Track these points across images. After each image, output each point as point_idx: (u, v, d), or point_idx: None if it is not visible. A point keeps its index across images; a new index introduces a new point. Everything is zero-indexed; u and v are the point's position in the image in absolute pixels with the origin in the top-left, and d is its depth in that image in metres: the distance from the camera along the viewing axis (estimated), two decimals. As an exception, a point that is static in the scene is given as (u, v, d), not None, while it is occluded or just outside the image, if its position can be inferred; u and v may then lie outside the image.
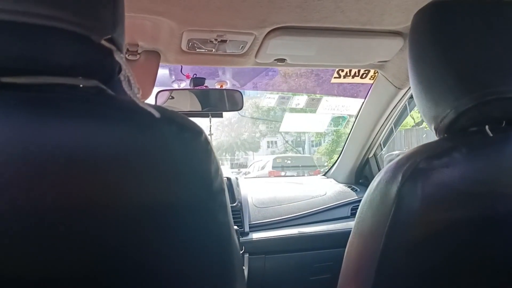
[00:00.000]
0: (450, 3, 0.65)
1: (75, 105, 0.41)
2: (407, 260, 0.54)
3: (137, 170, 0.40)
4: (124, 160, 0.40)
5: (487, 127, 0.57)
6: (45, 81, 0.41)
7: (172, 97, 1.51)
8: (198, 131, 0.45)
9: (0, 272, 0.37)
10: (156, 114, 0.43)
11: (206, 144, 0.45)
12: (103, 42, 0.44)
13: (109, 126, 0.40)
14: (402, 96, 1.62)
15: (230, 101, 1.60)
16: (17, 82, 0.40)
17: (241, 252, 1.47)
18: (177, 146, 0.43)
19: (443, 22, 0.62)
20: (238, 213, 1.63)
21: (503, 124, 0.59)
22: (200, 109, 1.55)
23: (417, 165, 0.54)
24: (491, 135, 0.57)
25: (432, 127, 0.65)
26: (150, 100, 1.40)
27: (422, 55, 0.64)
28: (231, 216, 0.49)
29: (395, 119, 1.79)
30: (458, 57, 0.60)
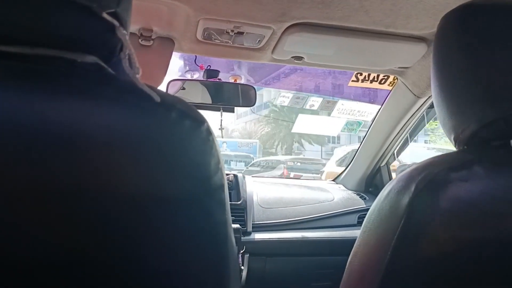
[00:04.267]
0: (482, 6, 0.60)
1: (70, 80, 0.38)
2: (413, 277, 0.50)
3: (130, 156, 0.38)
4: (117, 144, 0.37)
5: (511, 141, 0.53)
6: (41, 52, 0.39)
7: (184, 88, 1.48)
8: (200, 120, 0.43)
9: None
10: (156, 98, 0.40)
11: (207, 134, 0.43)
12: (105, 16, 0.41)
13: (104, 106, 0.38)
14: (421, 105, 1.57)
15: (243, 96, 1.57)
16: (11, 51, 0.38)
17: (241, 252, 1.45)
18: (176, 134, 0.40)
19: (472, 27, 0.58)
20: (242, 211, 1.60)
21: None
22: (212, 102, 1.52)
23: (433, 176, 0.50)
24: None
25: (452, 137, 0.61)
26: (162, 88, 1.38)
27: (447, 61, 0.60)
28: (229, 214, 0.46)
29: (411, 128, 1.74)
30: (487, 65, 0.56)
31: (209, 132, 0.43)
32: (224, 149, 15.63)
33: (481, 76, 0.56)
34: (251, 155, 16.16)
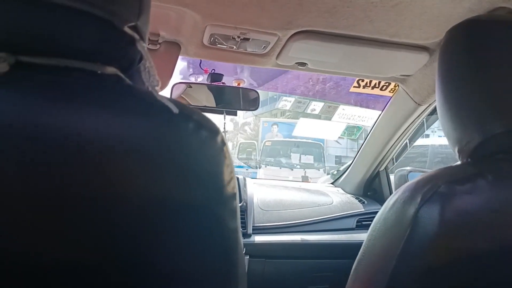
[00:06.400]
0: (486, 22, 0.62)
1: (91, 91, 0.39)
2: (418, 286, 0.51)
3: (147, 165, 0.39)
4: (136, 153, 0.38)
5: None
6: (63, 63, 0.40)
7: (188, 91, 1.50)
8: (215, 130, 0.44)
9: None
10: (174, 109, 0.41)
11: (222, 144, 0.44)
12: (126, 29, 0.43)
13: (124, 116, 0.39)
14: (421, 113, 1.59)
15: (246, 100, 1.59)
16: (34, 62, 0.39)
17: None
18: (193, 145, 0.41)
19: (478, 41, 0.60)
20: (243, 214, 1.61)
21: None
22: (215, 106, 1.54)
23: (438, 188, 0.51)
24: None
25: (456, 149, 0.62)
26: (166, 91, 1.39)
27: (452, 74, 0.62)
28: (239, 221, 0.47)
29: (410, 135, 1.76)
30: (490, 79, 0.58)
31: (223, 142, 0.44)
32: (274, 133, 11.29)
33: (486, 90, 0.57)
34: (321, 144, 10.26)
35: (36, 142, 0.36)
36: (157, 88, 0.46)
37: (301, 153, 9.79)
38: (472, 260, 0.50)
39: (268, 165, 9.65)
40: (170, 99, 0.42)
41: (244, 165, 9.76)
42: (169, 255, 0.40)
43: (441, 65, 0.64)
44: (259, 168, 9.57)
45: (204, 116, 0.44)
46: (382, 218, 0.58)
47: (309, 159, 9.64)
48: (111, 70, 0.42)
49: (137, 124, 0.39)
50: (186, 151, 0.41)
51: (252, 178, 2.09)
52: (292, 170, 9.37)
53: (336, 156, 13.12)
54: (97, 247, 0.38)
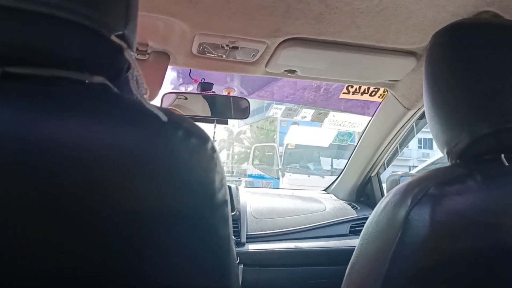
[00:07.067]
0: (471, 25, 0.63)
1: (79, 101, 0.39)
2: (411, 287, 0.52)
3: (139, 174, 0.38)
4: (126, 163, 0.38)
5: (503, 155, 0.56)
6: (50, 73, 0.40)
7: (178, 101, 1.50)
8: (205, 137, 0.44)
9: None
10: (163, 117, 0.41)
11: (212, 152, 0.43)
12: (114, 38, 0.43)
13: (113, 126, 0.39)
14: (411, 117, 1.60)
15: (236, 108, 1.59)
16: (22, 73, 0.38)
17: (236, 263, 1.45)
18: (183, 153, 0.41)
19: (462, 45, 0.61)
20: (236, 222, 1.61)
21: None
22: (206, 115, 1.54)
23: (428, 190, 0.52)
24: (507, 164, 0.55)
25: (444, 151, 0.63)
26: (156, 101, 1.39)
27: (438, 77, 0.63)
28: (231, 228, 0.47)
29: (401, 139, 1.77)
30: (476, 81, 0.59)
31: (213, 149, 0.44)
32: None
33: (472, 92, 0.58)
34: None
35: (25, 153, 0.35)
36: (145, 96, 0.45)
37: (333, 156, 8.30)
38: (464, 260, 0.51)
39: (293, 173, 8.03)
40: (159, 108, 0.42)
41: (263, 173, 8.11)
42: (161, 263, 0.40)
43: (427, 69, 0.65)
44: (283, 176, 8.02)
45: (194, 124, 0.44)
46: (373, 222, 0.58)
47: (343, 163, 7.36)
48: (98, 79, 0.42)
49: (126, 133, 0.39)
50: (176, 159, 0.41)
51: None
52: (323, 177, 7.45)
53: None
54: (91, 257, 0.37)
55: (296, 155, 8.36)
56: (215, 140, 1.72)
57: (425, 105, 0.66)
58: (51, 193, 0.36)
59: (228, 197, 0.45)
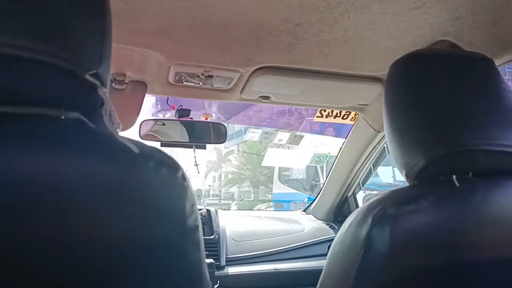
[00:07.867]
0: (425, 56, 0.69)
1: (55, 136, 0.41)
2: None
3: (111, 205, 0.40)
4: (99, 194, 0.40)
5: (454, 177, 0.59)
6: (28, 111, 0.41)
7: (156, 127, 1.52)
8: (176, 167, 0.46)
9: None
10: (135, 149, 0.43)
11: (182, 180, 0.46)
12: (88, 77, 0.45)
13: (87, 159, 0.41)
14: (381, 139, 1.66)
15: (214, 133, 1.62)
16: (2, 111, 0.40)
17: (216, 286, 1.45)
18: (154, 182, 0.43)
19: (416, 74, 0.66)
20: (216, 246, 1.62)
21: (470, 175, 0.60)
22: (184, 140, 1.57)
23: (386, 210, 0.55)
24: (458, 185, 0.58)
25: (403, 173, 0.67)
26: (134, 129, 1.41)
27: (396, 104, 0.68)
28: (203, 253, 0.48)
29: (374, 160, 1.83)
30: (429, 108, 0.64)
31: (184, 178, 0.46)
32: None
33: (426, 118, 0.63)
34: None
35: (1, 189, 0.37)
36: (118, 130, 0.48)
37: (394, 166, 5.13)
38: (423, 277, 0.54)
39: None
40: (131, 140, 0.45)
41: (295, 191, 6.57)
42: None
43: (386, 96, 0.70)
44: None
45: (165, 154, 0.46)
46: (339, 241, 0.61)
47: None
48: (74, 115, 0.44)
49: (99, 166, 0.41)
50: (148, 189, 0.42)
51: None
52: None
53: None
54: None
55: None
56: (198, 164, 1.74)
57: (385, 130, 0.70)
58: (26, 227, 0.37)
59: (199, 223, 0.47)
